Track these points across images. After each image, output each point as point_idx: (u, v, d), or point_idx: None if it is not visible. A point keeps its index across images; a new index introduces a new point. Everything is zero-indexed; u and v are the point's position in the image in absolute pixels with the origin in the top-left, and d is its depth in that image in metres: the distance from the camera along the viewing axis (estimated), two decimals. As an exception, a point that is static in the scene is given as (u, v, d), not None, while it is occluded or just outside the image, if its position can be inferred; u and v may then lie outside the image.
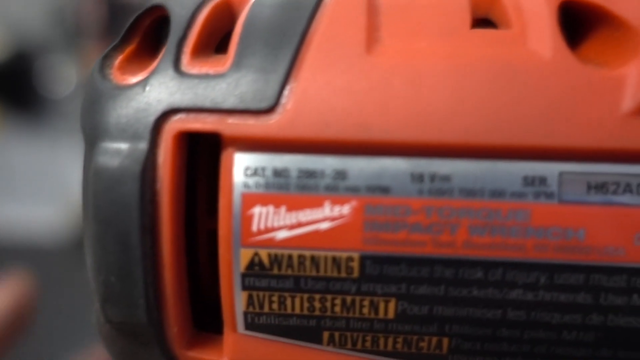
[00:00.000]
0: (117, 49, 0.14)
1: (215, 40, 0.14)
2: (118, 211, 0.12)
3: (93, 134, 0.12)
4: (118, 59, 0.13)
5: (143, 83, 0.12)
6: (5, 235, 1.04)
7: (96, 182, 0.12)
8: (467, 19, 0.13)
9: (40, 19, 1.03)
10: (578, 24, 0.13)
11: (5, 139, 1.08)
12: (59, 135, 1.06)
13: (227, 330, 0.13)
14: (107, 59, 0.13)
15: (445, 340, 0.12)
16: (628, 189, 0.11)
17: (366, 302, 0.12)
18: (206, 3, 0.14)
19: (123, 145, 0.12)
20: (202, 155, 0.13)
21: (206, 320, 0.14)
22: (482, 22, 0.15)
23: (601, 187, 0.11)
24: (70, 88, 1.04)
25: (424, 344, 0.13)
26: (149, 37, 0.14)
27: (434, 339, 0.13)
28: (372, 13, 0.13)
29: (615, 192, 0.11)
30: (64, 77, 1.04)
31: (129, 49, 0.14)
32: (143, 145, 0.12)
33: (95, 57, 0.14)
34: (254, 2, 0.13)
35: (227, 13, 0.14)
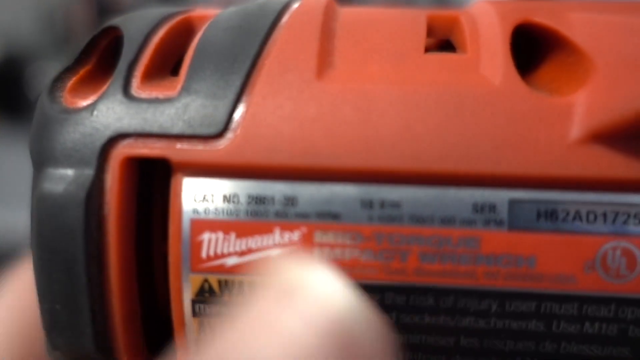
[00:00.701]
0: (70, 70, 0.14)
1: (171, 61, 0.14)
2: (62, 238, 0.11)
3: (39, 159, 0.12)
4: (71, 81, 0.13)
5: (91, 107, 0.12)
6: (-4, 242, 1.03)
7: (40, 209, 0.11)
8: (421, 43, 0.13)
9: (30, 25, 1.02)
10: (536, 48, 0.13)
11: (-4, 144, 1.07)
12: (49, 141, 1.05)
13: (180, 355, 0.13)
14: (58, 81, 0.13)
15: (399, 367, 0.12)
16: (577, 216, 0.11)
17: None
18: (163, 24, 0.14)
19: (69, 171, 0.12)
20: (157, 179, 0.13)
21: (166, 342, 0.14)
22: (446, 43, 0.15)
23: (551, 215, 0.11)
24: (61, 94, 1.04)
25: (377, 371, 0.12)
26: (105, 59, 0.14)
27: (387, 366, 0.12)
28: (326, 37, 0.13)
29: (565, 220, 0.11)
30: (54, 82, 1.03)
31: (83, 70, 0.14)
32: (89, 171, 0.12)
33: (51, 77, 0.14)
34: (209, 24, 0.13)
35: (185, 33, 0.14)
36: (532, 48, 0.13)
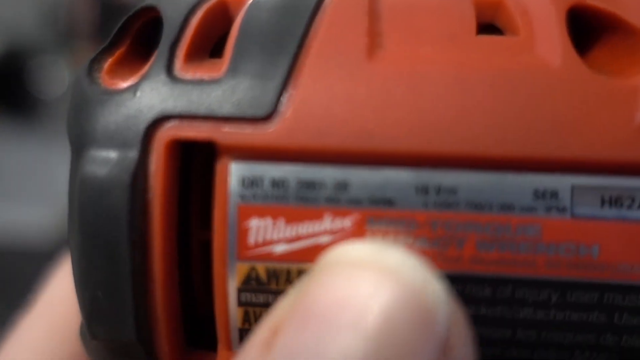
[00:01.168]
0: (106, 51, 0.13)
1: (210, 44, 0.13)
2: (106, 223, 0.11)
3: (80, 141, 0.12)
4: (107, 63, 0.13)
5: (134, 88, 0.12)
6: (-5, 237, 1.02)
7: (83, 193, 0.11)
8: (472, 25, 0.12)
9: (32, 20, 1.02)
10: (584, 30, 0.13)
11: (-4, 139, 1.07)
12: (51, 135, 1.05)
13: (221, 347, 0.12)
14: (95, 62, 0.13)
15: (450, 360, 0.12)
16: (643, 203, 0.11)
17: None
18: (200, 5, 0.13)
19: (112, 154, 0.11)
20: (196, 163, 0.13)
21: (199, 337, 0.13)
22: (487, 28, 0.14)
23: (615, 202, 0.11)
24: (63, 89, 1.03)
25: (427, 364, 0.12)
26: (140, 40, 0.14)
27: None
28: (373, 18, 0.12)
29: (630, 207, 0.11)
30: (56, 77, 1.03)
31: (119, 52, 0.13)
32: (133, 154, 0.11)
33: (88, 58, 0.13)
34: (251, 4, 0.13)
35: (222, 15, 0.14)
36: (581, 31, 0.13)
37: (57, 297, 0.16)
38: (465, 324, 0.10)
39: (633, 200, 0.11)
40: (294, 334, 0.10)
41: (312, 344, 0.09)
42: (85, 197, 0.11)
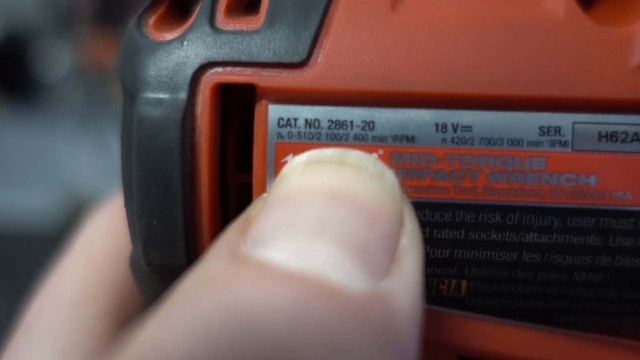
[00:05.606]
0: (149, 10, 0.14)
1: (244, 1, 0.15)
2: (161, 157, 0.12)
3: (134, 86, 0.13)
4: (152, 19, 0.14)
5: (181, 38, 0.13)
6: (-1, 221, 1.03)
7: (140, 130, 0.12)
8: None
9: (33, 3, 1.02)
10: None
11: (-2, 123, 1.07)
12: (53, 119, 1.05)
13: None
14: (142, 18, 0.14)
15: (464, 283, 0.13)
16: (636, 137, 0.12)
17: None
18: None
19: (163, 96, 0.13)
20: (233, 110, 0.14)
21: None
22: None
23: (611, 136, 0.12)
24: (64, 72, 1.03)
25: (443, 287, 0.13)
26: (177, 1, 0.15)
27: (454, 282, 0.13)
28: None
29: (624, 141, 0.12)
30: (58, 61, 1.03)
31: (161, 10, 0.14)
32: (182, 96, 0.12)
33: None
34: (283, -36, 0.14)
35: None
36: None
37: (92, 240, 0.17)
38: (414, 216, 0.12)
39: (627, 134, 0.12)
40: (265, 217, 0.11)
41: (283, 218, 0.10)
42: (142, 134, 0.12)
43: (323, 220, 0.10)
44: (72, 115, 1.01)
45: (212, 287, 0.09)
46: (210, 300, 0.09)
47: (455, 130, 0.12)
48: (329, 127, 0.13)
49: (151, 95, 0.13)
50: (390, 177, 0.12)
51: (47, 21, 1.03)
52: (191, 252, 0.13)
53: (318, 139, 0.13)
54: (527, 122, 0.12)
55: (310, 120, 0.13)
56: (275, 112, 0.13)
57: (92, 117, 0.99)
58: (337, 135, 0.13)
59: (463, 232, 0.13)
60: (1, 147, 1.07)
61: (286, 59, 0.13)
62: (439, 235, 0.13)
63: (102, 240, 0.17)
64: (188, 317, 0.09)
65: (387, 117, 0.13)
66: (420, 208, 0.13)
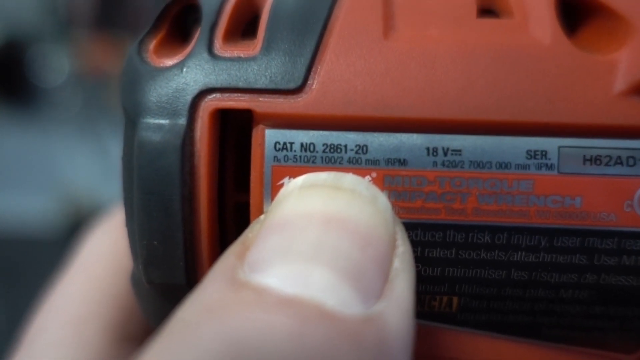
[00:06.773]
0: (149, 35, 0.15)
1: (241, 27, 0.15)
2: (161, 180, 0.13)
3: (135, 111, 0.13)
4: (152, 44, 0.14)
5: (180, 65, 0.13)
6: (-3, 225, 1.03)
7: (141, 154, 0.13)
8: (473, 9, 0.14)
9: (32, 8, 1.02)
10: (574, 14, 0.15)
11: (-3, 128, 1.07)
12: (51, 123, 1.06)
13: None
14: (142, 44, 0.14)
15: (455, 299, 0.14)
16: (619, 161, 0.13)
17: None
18: (232, -8, 0.15)
19: (164, 121, 0.13)
20: (231, 133, 0.15)
21: None
22: (484, 12, 0.16)
23: (596, 160, 0.13)
24: (63, 77, 1.04)
25: (435, 303, 0.14)
26: (176, 25, 0.15)
27: (445, 298, 0.14)
28: (387, 3, 0.14)
29: (608, 164, 0.13)
30: (56, 66, 1.03)
31: (160, 35, 0.15)
32: (182, 121, 0.13)
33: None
34: (278, -9, 0.15)
35: (249, 2, 0.15)
36: (570, 14, 0.15)
37: (94, 256, 0.18)
38: (407, 238, 0.12)
39: (610, 158, 0.13)
40: (262, 242, 0.11)
41: (279, 244, 0.11)
42: (143, 158, 0.13)
43: (318, 245, 0.11)
44: (71, 119, 1.01)
45: (211, 315, 0.10)
46: (210, 330, 0.09)
47: (445, 154, 0.13)
48: (324, 151, 0.13)
49: (151, 120, 0.13)
50: (383, 200, 0.12)
51: (46, 26, 1.03)
52: (191, 272, 0.13)
53: (313, 162, 0.13)
54: (515, 147, 0.13)
55: (306, 144, 0.13)
56: (271, 136, 0.13)
57: (90, 122, 1.00)
58: (331, 159, 0.13)
59: (454, 251, 0.13)
60: (0, 152, 1.08)
61: (282, 85, 0.13)
62: (430, 254, 0.13)
63: (103, 256, 0.17)
64: (188, 346, 0.09)
65: (379, 142, 0.13)
66: (412, 228, 0.13)
